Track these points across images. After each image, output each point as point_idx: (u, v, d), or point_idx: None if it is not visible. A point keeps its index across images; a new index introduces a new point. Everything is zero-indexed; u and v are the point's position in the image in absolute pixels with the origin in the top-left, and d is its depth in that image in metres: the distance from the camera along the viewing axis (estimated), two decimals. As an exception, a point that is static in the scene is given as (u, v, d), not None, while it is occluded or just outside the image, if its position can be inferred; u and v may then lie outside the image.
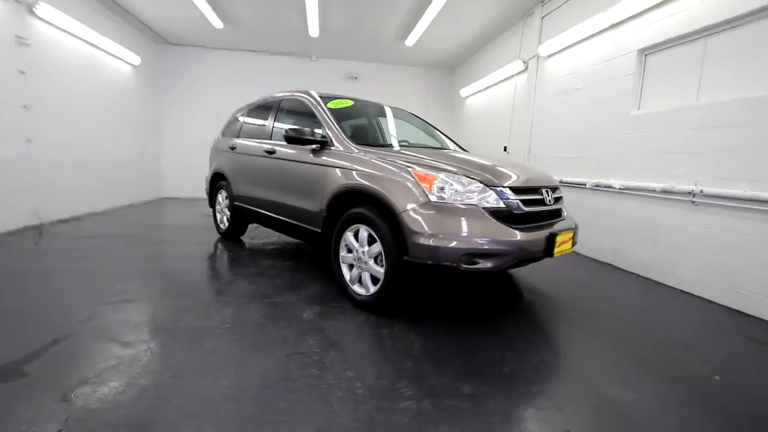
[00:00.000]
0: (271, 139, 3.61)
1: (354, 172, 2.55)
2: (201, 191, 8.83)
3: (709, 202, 3.06)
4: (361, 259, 2.49)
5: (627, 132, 3.93)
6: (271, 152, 3.44)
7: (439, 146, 3.50)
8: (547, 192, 2.54)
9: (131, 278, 2.94)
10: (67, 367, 1.68)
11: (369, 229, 2.42)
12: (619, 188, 3.93)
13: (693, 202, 3.18)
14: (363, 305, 2.51)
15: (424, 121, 3.99)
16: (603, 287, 3.40)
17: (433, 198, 2.17)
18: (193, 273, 3.17)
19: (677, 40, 3.44)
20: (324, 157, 2.84)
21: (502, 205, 2.23)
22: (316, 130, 2.96)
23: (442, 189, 2.19)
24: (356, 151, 2.70)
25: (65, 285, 2.71)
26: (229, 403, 1.50)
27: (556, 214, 2.65)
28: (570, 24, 4.71)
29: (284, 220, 3.27)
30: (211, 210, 4.81)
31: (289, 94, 3.70)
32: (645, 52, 3.78)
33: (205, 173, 8.43)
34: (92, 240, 4.07)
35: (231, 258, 3.66)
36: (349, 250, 2.63)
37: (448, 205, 2.16)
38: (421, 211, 2.16)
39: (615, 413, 1.60)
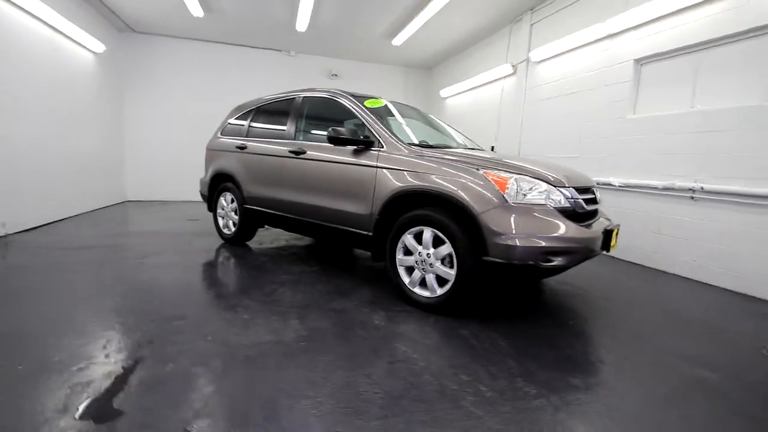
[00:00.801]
0: (295, 139, 3.45)
1: (418, 174, 2.52)
2: (172, 193, 8.35)
3: (708, 197, 3.44)
4: (425, 262, 2.47)
5: (624, 134, 4.28)
6: (298, 153, 3.29)
7: (473, 146, 3.54)
8: (594, 191, 2.70)
9: (160, 292, 2.67)
10: (168, 400, 1.50)
11: (435, 230, 2.41)
12: (619, 186, 4.27)
13: (692, 198, 3.56)
14: (427, 307, 2.50)
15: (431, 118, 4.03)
16: (617, 278, 3.68)
17: (509, 199, 2.22)
18: (224, 284, 2.94)
19: (673, 53, 3.81)
20: (370, 159, 2.77)
21: (567, 204, 2.34)
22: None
23: (516, 190, 2.25)
24: (407, 151, 2.67)
25: (99, 305, 2.40)
26: (375, 419, 1.43)
27: (596, 212, 2.83)
28: (564, 32, 5.01)
29: (319, 224, 3.15)
30: (197, 214, 4.49)
31: (311, 92, 3.56)
32: (641, 62, 4.13)
33: (178, 174, 7.86)
34: (83, 253, 3.62)
35: (253, 265, 3.44)
36: (407, 253, 2.60)
37: (524, 206, 2.22)
38: (500, 212, 2.20)
39: (716, 390, 1.75)
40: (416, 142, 2.93)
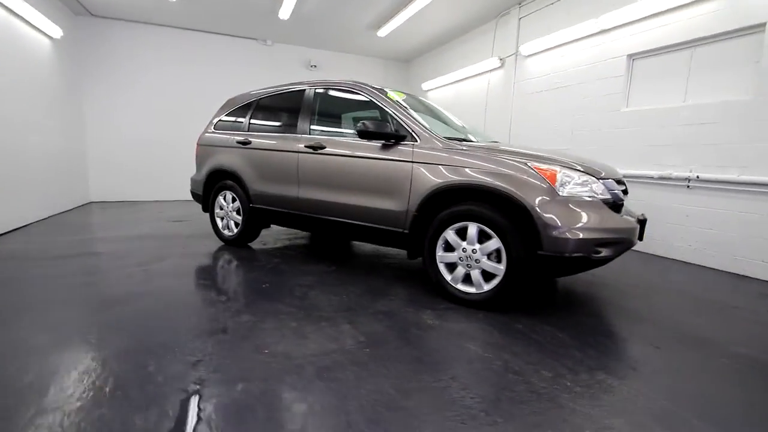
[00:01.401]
0: (310, 134, 3.26)
1: (461, 169, 2.46)
2: (142, 192, 7.67)
3: (703, 186, 3.70)
4: (471, 257, 2.44)
5: (617, 127, 4.48)
6: (316, 148, 3.12)
7: (492, 139, 3.52)
8: (624, 182, 2.79)
9: (182, 304, 2.44)
10: (264, 426, 1.35)
11: (482, 226, 2.38)
12: (614, 176, 4.48)
13: (688, 186, 3.81)
14: (472, 304, 2.47)
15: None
16: (623, 265, 3.86)
17: (560, 192, 2.23)
18: (249, 291, 2.72)
19: (665, 49, 4.02)
20: (404, 154, 2.68)
21: (609, 196, 2.39)
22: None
23: (564, 183, 2.26)
24: (443, 146, 2.61)
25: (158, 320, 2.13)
26: (486, 425, 1.38)
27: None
28: (554, 27, 5.14)
29: (345, 222, 3.01)
30: (178, 214, 4.19)
31: (324, 84, 3.37)
32: (633, 57, 4.33)
33: (147, 171, 7.38)
34: (66, 264, 3.23)
35: (268, 268, 3.23)
36: (448, 249, 2.55)
37: (575, 199, 2.25)
38: (553, 205, 2.20)
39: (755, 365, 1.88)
40: (449, 135, 2.87)
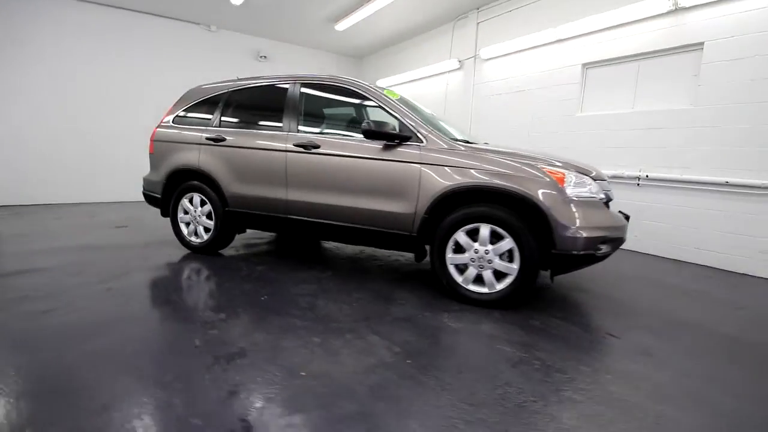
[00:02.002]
0: (297, 132, 3.04)
1: (472, 171, 2.47)
2: (58, 193, 6.47)
3: (650, 184, 4.18)
4: (483, 258, 2.47)
5: (572, 130, 4.88)
6: (308, 147, 2.91)
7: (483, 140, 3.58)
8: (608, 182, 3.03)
9: (174, 327, 2.12)
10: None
11: (494, 226, 2.42)
12: (571, 175, 4.87)
13: (638, 184, 4.28)
14: (484, 304, 2.51)
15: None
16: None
17: (569, 193, 2.35)
18: (245, 305, 2.43)
19: (616, 60, 4.46)
20: (411, 155, 2.62)
21: (603, 195, 2.58)
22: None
23: (572, 184, 2.38)
24: (449, 147, 2.60)
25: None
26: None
27: None
28: (513, 34, 5.43)
29: (344, 226, 2.86)
30: (117, 218, 3.72)
31: (312, 79, 3.15)
32: (587, 66, 4.74)
33: (61, 170, 6.62)
34: (15, 282, 2.63)
35: (254, 277, 2.95)
36: (457, 251, 2.56)
37: (582, 199, 2.38)
38: (564, 206, 2.31)
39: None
40: (455, 136, 2.86)
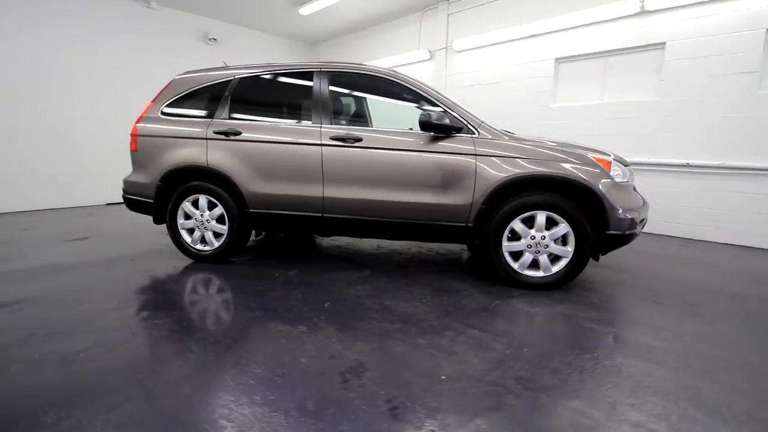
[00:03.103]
0: (332, 124, 2.83)
1: (528, 160, 2.54)
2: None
3: (621, 168, 4.71)
4: (539, 244, 2.58)
5: (547, 120, 5.27)
6: (347, 140, 2.73)
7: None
8: None
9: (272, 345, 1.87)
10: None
11: (550, 213, 2.54)
12: (548, 162, 5.28)
13: (610, 168, 4.79)
14: (540, 287, 2.63)
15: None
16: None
17: (616, 179, 2.55)
18: (323, 317, 2.24)
19: (586, 56, 4.90)
20: (465, 146, 2.62)
21: (630, 180, 2.85)
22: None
23: (615, 170, 2.60)
24: (504, 137, 2.66)
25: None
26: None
27: None
28: (486, 27, 5.64)
29: (391, 222, 2.76)
30: (67, 229, 3.33)
31: (342, 68, 2.94)
32: (559, 60, 5.13)
33: None
34: (22, 315, 2.06)
35: (297, 283, 2.71)
36: (512, 239, 2.64)
37: (624, 184, 2.60)
38: (614, 190, 2.50)
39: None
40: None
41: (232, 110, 3.03)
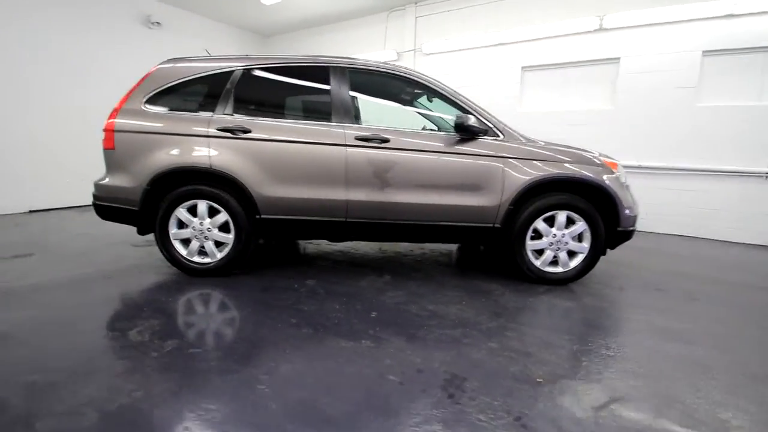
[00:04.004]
0: (354, 123, 2.69)
1: (550, 162, 2.68)
2: None
3: (582, 169, 5.20)
4: (560, 241, 2.74)
5: (515, 124, 5.60)
6: (373, 140, 2.62)
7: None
8: None
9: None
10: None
11: (570, 212, 2.71)
12: (517, 163, 5.64)
13: (573, 169, 5.26)
14: (557, 281, 2.80)
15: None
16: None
17: (621, 180, 2.81)
18: (381, 329, 2.10)
19: (548, 66, 5.31)
20: (492, 148, 2.68)
21: (626, 180, 3.15)
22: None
23: (620, 172, 2.86)
24: (524, 140, 2.78)
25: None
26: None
27: None
28: (455, 33, 5.83)
29: (418, 224, 2.71)
30: (28, 244, 2.79)
31: (363, 65, 2.81)
32: (525, 68, 5.49)
33: None
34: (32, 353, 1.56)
35: (324, 294, 2.52)
36: (536, 237, 2.76)
37: (624, 183, 2.87)
38: (622, 190, 2.75)
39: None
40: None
41: (237, 106, 2.71)
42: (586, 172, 2.69)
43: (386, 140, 2.64)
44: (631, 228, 2.79)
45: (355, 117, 2.73)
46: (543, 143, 2.81)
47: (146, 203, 2.66)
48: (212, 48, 7.04)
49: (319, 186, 2.66)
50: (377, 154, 2.64)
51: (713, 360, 1.82)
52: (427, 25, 6.17)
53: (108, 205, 2.73)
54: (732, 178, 4.42)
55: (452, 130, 2.73)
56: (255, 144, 2.63)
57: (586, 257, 2.77)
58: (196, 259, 2.77)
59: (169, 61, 2.84)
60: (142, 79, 2.78)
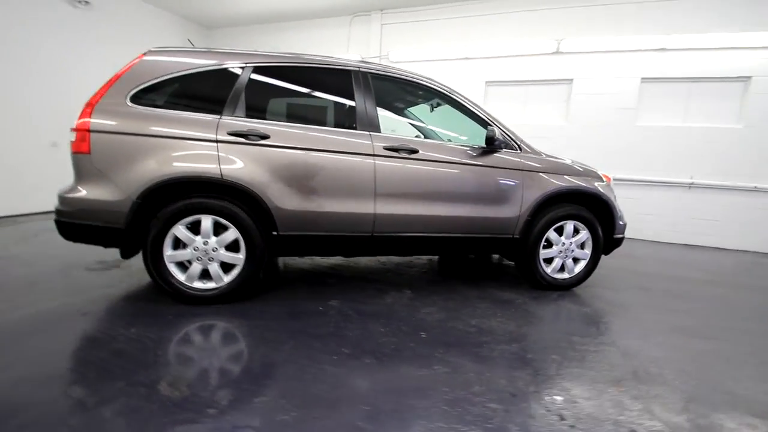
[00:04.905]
0: (380, 131, 2.55)
1: (560, 176, 2.84)
2: None
3: (540, 178, 5.66)
4: (568, 249, 2.92)
5: (479, 134, 5.89)
6: (403, 151, 2.51)
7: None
8: None
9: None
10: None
11: (575, 222, 2.91)
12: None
13: (533, 178, 5.69)
14: (563, 287, 2.99)
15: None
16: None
17: (614, 191, 3.10)
18: (431, 347, 1.97)
19: (510, 82, 5.69)
20: (514, 162, 2.77)
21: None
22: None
23: (613, 184, 3.15)
24: (538, 154, 2.91)
25: None
26: None
27: None
28: (421, 44, 5.95)
29: (443, 237, 2.67)
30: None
31: (382, 70, 2.72)
32: (488, 83, 5.81)
33: None
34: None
35: (356, 316, 2.33)
36: (547, 246, 2.91)
37: (614, 195, 3.18)
38: (616, 201, 3.04)
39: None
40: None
41: (249, 108, 2.39)
42: (593, 186, 2.91)
43: (415, 151, 2.56)
44: (623, 235, 3.08)
45: (383, 124, 2.60)
46: (557, 157, 2.97)
47: (134, 220, 2.20)
48: (147, 35, 6.21)
49: (347, 198, 2.46)
50: (407, 166, 2.54)
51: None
52: (394, 33, 6.19)
53: (80, 223, 2.19)
54: (661, 187, 5.19)
55: (466, 141, 2.78)
56: (273, 152, 2.34)
57: (588, 263, 2.99)
58: (198, 284, 2.36)
59: (159, 51, 2.39)
60: (124, 71, 2.30)
